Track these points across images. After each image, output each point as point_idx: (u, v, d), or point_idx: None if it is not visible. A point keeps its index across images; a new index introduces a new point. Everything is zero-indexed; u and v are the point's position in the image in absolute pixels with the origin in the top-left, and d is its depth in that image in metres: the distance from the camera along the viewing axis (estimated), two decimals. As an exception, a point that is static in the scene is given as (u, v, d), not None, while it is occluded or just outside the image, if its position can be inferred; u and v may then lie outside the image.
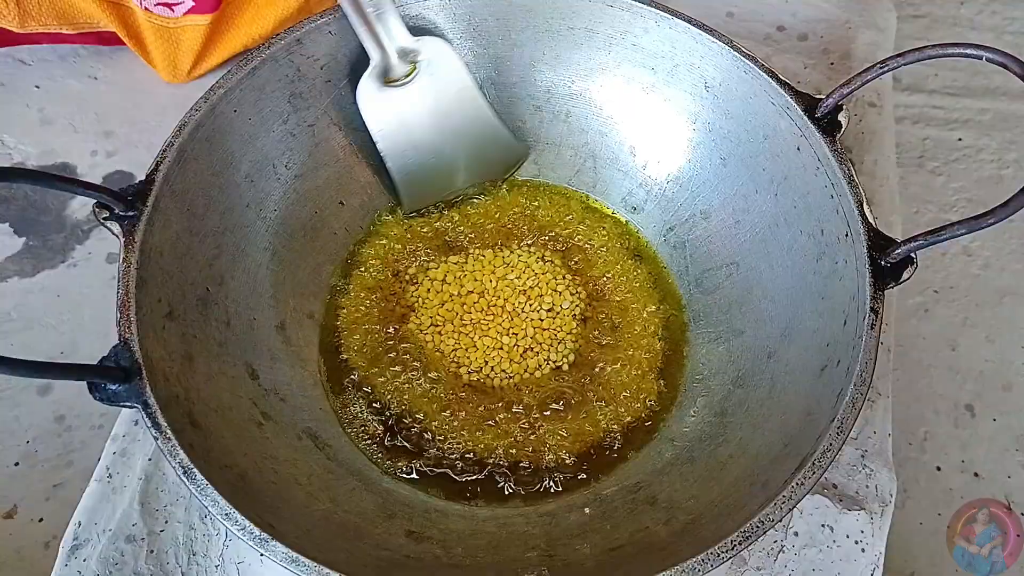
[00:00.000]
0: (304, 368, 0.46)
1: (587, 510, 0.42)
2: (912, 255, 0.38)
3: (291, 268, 0.47)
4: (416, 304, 0.50)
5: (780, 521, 0.33)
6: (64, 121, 0.60)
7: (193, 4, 0.55)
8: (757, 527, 0.33)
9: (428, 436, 0.45)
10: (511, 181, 0.54)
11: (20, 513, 0.47)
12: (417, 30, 0.47)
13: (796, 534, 0.43)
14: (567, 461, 0.45)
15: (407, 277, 0.50)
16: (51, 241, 0.56)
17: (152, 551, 0.42)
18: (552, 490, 0.44)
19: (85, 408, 0.50)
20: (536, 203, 0.53)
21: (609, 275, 0.51)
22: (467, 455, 0.45)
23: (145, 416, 0.34)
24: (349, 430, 0.45)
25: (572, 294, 0.50)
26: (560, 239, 0.52)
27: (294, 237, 0.48)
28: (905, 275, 0.38)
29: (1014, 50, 0.36)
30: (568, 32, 0.49)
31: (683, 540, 0.36)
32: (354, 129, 0.49)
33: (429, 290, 0.50)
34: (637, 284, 0.50)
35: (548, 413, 0.46)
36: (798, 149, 0.43)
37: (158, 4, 0.55)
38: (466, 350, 0.48)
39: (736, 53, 0.45)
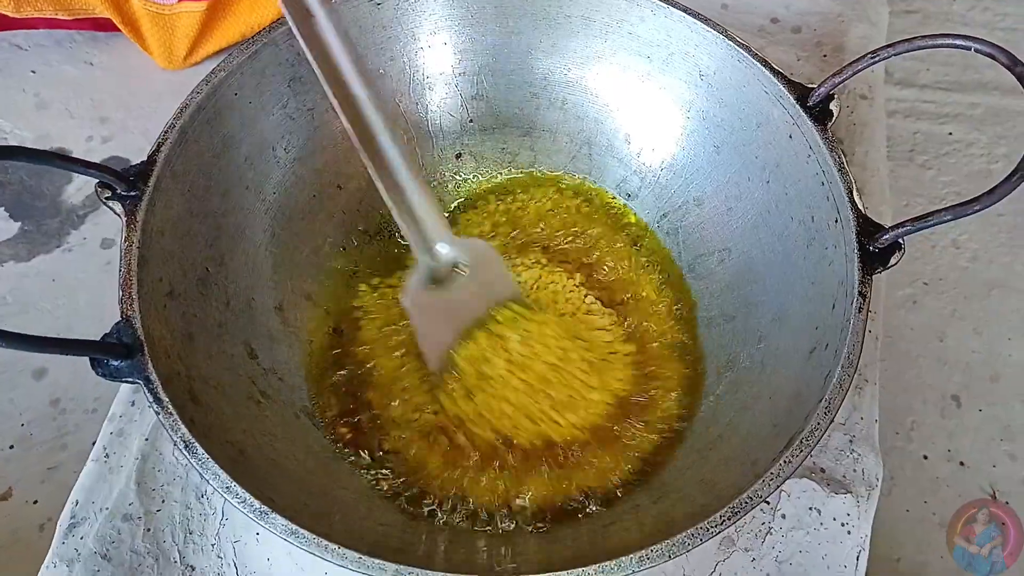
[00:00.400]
0: (302, 349, 0.46)
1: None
2: (900, 241, 0.39)
3: (289, 250, 0.48)
4: None
5: (768, 497, 0.34)
6: (60, 106, 0.60)
7: (189, -9, 0.56)
8: (746, 502, 0.33)
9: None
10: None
11: (15, 495, 0.47)
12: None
13: (784, 516, 0.44)
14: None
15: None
16: (46, 226, 0.56)
17: (149, 529, 0.42)
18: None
19: (80, 392, 0.50)
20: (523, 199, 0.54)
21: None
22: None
23: (147, 391, 0.34)
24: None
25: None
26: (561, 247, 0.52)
27: (292, 219, 0.48)
28: (893, 260, 0.39)
29: (1005, 45, 0.37)
30: (565, 20, 0.50)
31: (673, 516, 0.37)
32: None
33: None
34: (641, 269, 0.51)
35: None
36: (790, 137, 0.44)
37: (154, -10, 0.56)
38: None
39: (730, 42, 0.46)
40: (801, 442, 0.35)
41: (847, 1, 0.64)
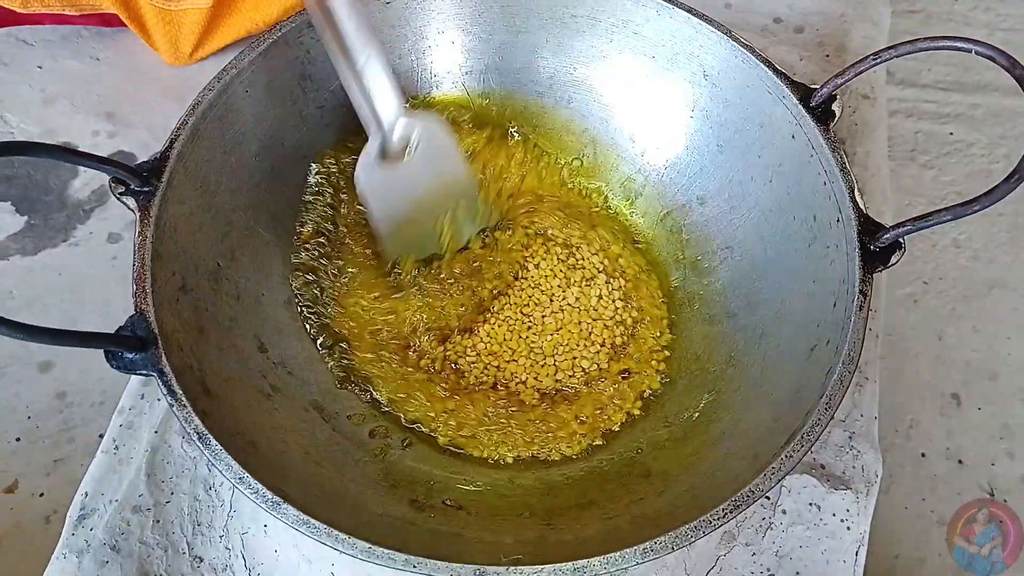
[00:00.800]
0: (310, 343, 0.47)
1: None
2: (900, 240, 0.39)
3: (298, 246, 0.48)
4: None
5: (769, 492, 0.35)
6: (66, 101, 0.60)
7: (195, -14, 0.56)
8: (748, 496, 0.34)
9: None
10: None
11: (21, 488, 0.47)
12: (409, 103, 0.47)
13: (784, 512, 0.44)
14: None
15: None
16: (52, 220, 0.56)
17: (158, 521, 0.42)
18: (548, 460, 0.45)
19: (86, 385, 0.50)
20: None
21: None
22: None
23: (161, 384, 0.35)
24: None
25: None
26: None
27: (302, 216, 0.48)
28: (893, 259, 0.39)
29: (1006, 46, 0.37)
30: (571, 20, 0.50)
31: (676, 509, 0.37)
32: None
33: None
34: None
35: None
36: (793, 137, 0.44)
37: (161, -14, 0.56)
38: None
39: (734, 43, 0.46)
40: (802, 438, 0.35)
41: (850, 1, 0.64)
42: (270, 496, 0.33)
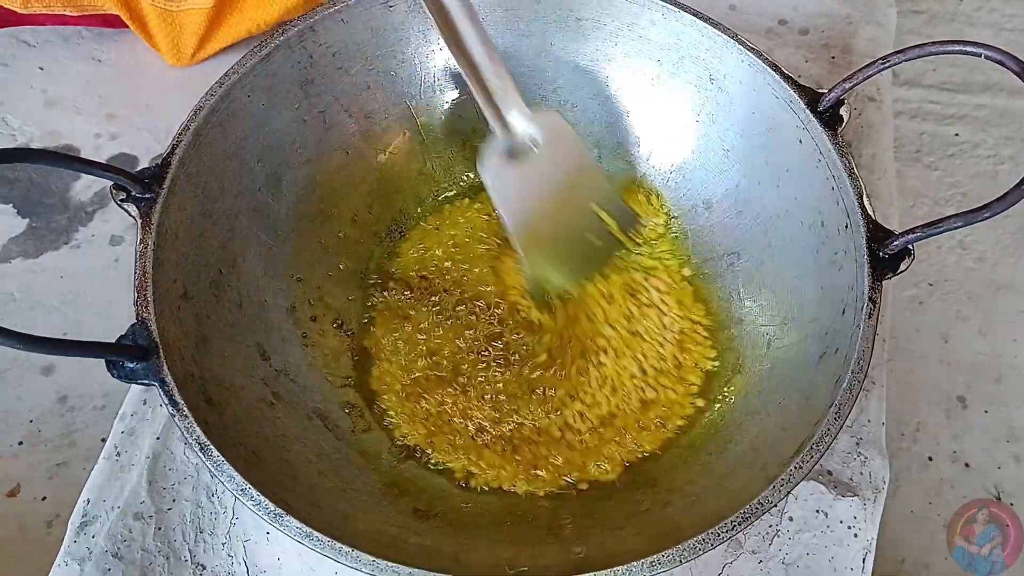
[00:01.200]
0: (313, 350, 0.46)
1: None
2: (909, 247, 0.39)
3: (301, 252, 0.48)
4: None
5: (778, 504, 0.34)
6: (68, 103, 0.60)
7: (197, -13, 0.56)
8: (756, 508, 0.34)
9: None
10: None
11: (23, 491, 0.47)
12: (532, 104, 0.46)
13: (791, 519, 0.44)
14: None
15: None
16: (55, 223, 0.56)
17: (160, 528, 0.42)
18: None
19: (88, 389, 0.50)
20: None
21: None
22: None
23: (163, 394, 0.34)
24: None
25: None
26: None
27: (303, 221, 0.48)
28: (903, 266, 0.39)
29: (1012, 46, 0.37)
30: (576, 23, 0.50)
31: (683, 521, 0.37)
32: (364, 116, 0.50)
33: None
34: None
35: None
36: (800, 142, 0.44)
37: (162, -13, 0.56)
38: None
39: (741, 47, 0.46)
40: (811, 447, 0.35)
41: (855, 2, 0.64)
42: (273, 508, 0.33)
